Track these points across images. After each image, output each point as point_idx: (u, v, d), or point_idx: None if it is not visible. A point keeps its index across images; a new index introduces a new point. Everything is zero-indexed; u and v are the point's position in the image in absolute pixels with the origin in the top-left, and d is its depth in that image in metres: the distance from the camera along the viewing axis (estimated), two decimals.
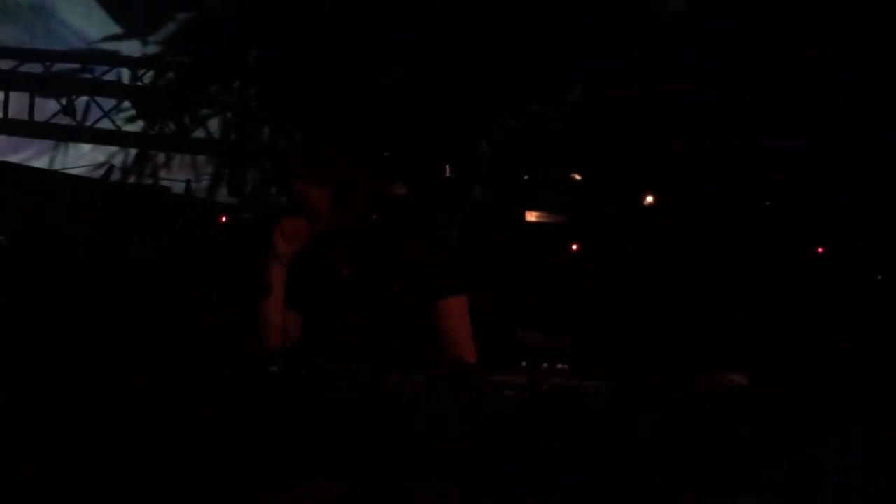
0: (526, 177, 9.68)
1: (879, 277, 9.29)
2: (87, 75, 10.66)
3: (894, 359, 7.87)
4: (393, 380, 6.12)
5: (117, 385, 5.22)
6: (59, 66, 10.76)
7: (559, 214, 9.88)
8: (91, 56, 10.59)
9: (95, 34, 10.40)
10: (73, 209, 7.72)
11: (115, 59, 10.50)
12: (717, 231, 9.20)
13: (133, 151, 9.82)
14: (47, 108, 10.75)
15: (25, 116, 10.70)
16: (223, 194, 9.61)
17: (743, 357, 8.37)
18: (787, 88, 8.55)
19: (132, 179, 9.60)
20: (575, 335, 8.94)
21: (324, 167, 7.08)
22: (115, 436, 5.09)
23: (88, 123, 10.74)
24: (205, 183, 9.75)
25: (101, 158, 10.09)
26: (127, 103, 10.50)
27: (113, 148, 10.17)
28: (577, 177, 9.68)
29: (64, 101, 10.70)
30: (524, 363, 8.49)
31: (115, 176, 9.66)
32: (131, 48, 10.22)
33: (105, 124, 10.71)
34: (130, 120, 10.32)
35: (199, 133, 9.99)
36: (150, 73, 10.25)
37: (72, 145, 10.60)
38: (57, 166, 10.28)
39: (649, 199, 9.69)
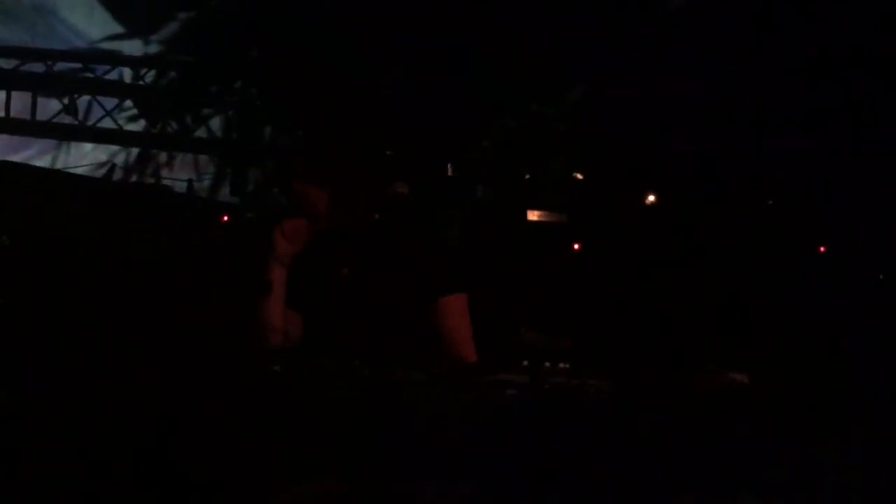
0: (527, 176, 9.67)
1: (880, 277, 9.29)
2: (89, 74, 10.66)
3: (894, 359, 7.88)
4: (393, 379, 6.14)
5: (117, 385, 5.23)
6: (60, 66, 10.75)
7: (560, 214, 9.87)
8: (93, 55, 10.58)
9: (97, 33, 10.38)
10: (74, 208, 7.74)
11: (116, 59, 10.49)
12: (717, 231, 9.20)
13: (135, 151, 9.78)
14: (49, 107, 10.75)
15: (27, 116, 10.70)
16: (225, 194, 9.59)
17: (743, 357, 8.39)
18: (787, 88, 8.54)
19: (134, 179, 9.57)
20: (576, 335, 8.96)
21: (324, 167, 7.10)
22: (114, 436, 5.10)
23: (90, 123, 10.73)
24: (207, 182, 9.73)
25: (102, 158, 10.06)
26: (129, 102, 10.47)
27: (115, 147, 10.14)
28: (579, 176, 9.68)
29: (66, 101, 10.70)
30: (525, 363, 8.51)
31: (117, 175, 9.64)
32: (133, 47, 10.20)
33: (107, 123, 10.70)
34: (132, 119, 10.29)
35: (200, 132, 9.96)
36: (152, 73, 10.22)
37: (74, 144, 10.59)
38: (59, 165, 10.27)
39: (650, 198, 9.69)
